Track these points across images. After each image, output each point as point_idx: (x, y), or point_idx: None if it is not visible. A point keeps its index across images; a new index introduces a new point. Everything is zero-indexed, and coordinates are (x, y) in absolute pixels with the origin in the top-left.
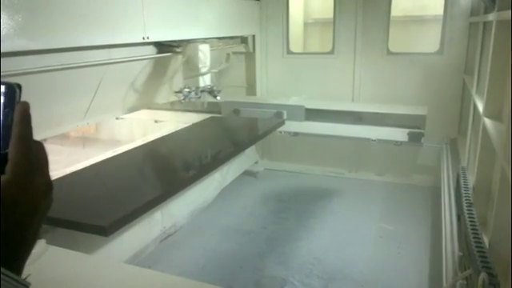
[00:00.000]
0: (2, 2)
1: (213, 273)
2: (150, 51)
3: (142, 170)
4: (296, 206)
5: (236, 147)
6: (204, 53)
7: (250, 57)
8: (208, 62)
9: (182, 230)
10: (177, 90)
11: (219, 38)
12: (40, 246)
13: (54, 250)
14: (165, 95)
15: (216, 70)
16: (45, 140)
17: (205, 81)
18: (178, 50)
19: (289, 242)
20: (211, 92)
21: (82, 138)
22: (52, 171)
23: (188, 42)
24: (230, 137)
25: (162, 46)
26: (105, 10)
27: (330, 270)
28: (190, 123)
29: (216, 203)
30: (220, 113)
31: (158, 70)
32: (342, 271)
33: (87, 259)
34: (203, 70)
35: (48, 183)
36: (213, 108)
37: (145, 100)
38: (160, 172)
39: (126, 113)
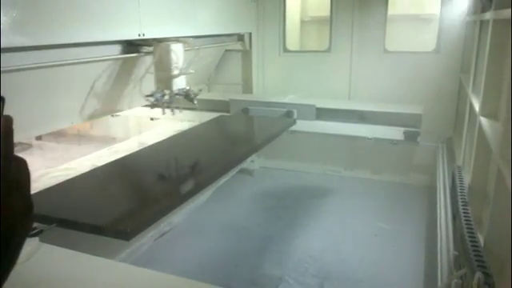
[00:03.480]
0: None
1: (208, 271)
2: (114, 51)
3: (157, 172)
4: (292, 205)
5: (251, 148)
6: (176, 53)
7: (246, 55)
8: (181, 63)
9: (176, 228)
10: (148, 93)
11: (216, 36)
12: (33, 244)
13: (47, 248)
14: (134, 100)
15: (191, 72)
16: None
17: (177, 84)
18: (148, 50)
19: (284, 241)
20: (187, 96)
21: (77, 135)
22: (47, 168)
23: (159, 41)
24: (243, 137)
25: (129, 46)
26: (100, 6)
27: (326, 269)
28: (186, 121)
29: (211, 201)
30: (227, 111)
31: (125, 73)
32: (338, 270)
33: (81, 257)
34: (175, 72)
35: (27, 205)
36: (215, 106)
37: (108, 106)
38: (175, 174)
39: (85, 120)
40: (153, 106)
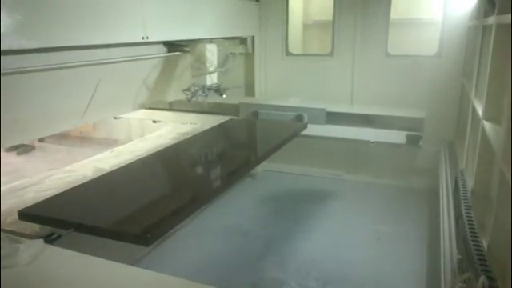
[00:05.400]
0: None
1: (210, 274)
2: (159, 50)
3: (172, 176)
4: (294, 208)
5: (266, 152)
6: (211, 52)
7: (249, 58)
8: (215, 61)
9: (178, 231)
10: (185, 88)
11: (220, 39)
12: (37, 245)
13: (52, 250)
14: (174, 93)
15: (223, 69)
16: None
17: (212, 79)
18: (187, 49)
19: (286, 244)
20: (217, 90)
21: (79, 137)
22: (51, 170)
23: (196, 41)
24: (257, 141)
25: (171, 46)
26: (104, 9)
27: (328, 272)
28: (188, 123)
29: (213, 204)
30: (232, 114)
31: (168, 69)
32: (340, 273)
33: (85, 259)
34: (210, 69)
35: None
36: (218, 109)
37: (155, 97)
38: (190, 179)
39: (136, 109)
40: (190, 98)
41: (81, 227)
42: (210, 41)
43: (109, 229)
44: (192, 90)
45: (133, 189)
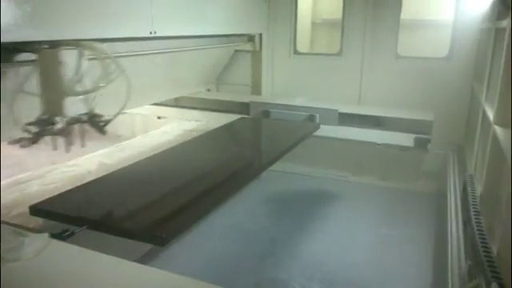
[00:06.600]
0: None
1: (212, 273)
2: None
3: (185, 174)
4: (298, 209)
5: (279, 153)
6: (67, 65)
7: (256, 56)
8: (74, 78)
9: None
10: (30, 120)
11: (226, 36)
12: (43, 239)
13: (57, 244)
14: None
15: (101, 86)
16: None
17: (71, 107)
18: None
19: (290, 245)
20: (93, 123)
21: (82, 131)
22: (54, 164)
23: (52, 45)
24: (270, 141)
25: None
26: (111, 2)
27: (332, 274)
28: (194, 120)
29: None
30: (238, 112)
31: None
32: (344, 276)
33: (89, 255)
34: (66, 91)
35: None
36: (223, 106)
37: None
38: (204, 177)
39: None
40: (34, 139)
41: (93, 224)
42: (77, 43)
43: (123, 227)
44: (39, 124)
45: (146, 187)
